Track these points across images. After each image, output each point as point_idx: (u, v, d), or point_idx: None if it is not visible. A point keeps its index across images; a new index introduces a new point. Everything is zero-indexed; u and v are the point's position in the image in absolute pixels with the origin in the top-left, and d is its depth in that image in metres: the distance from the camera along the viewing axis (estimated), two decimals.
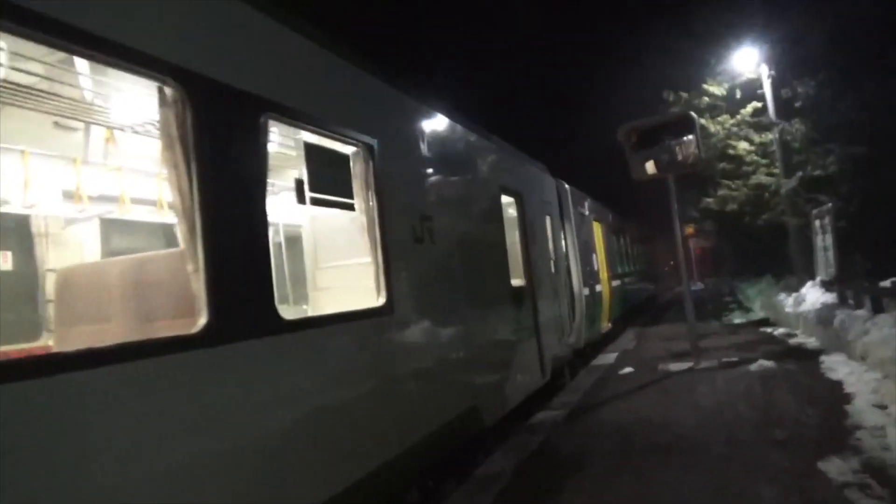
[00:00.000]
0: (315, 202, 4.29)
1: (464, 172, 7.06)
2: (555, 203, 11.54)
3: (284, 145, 5.12)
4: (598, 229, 16.00)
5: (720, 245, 31.90)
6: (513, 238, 9.05)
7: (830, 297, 12.06)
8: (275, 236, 6.22)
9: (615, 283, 17.25)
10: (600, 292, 14.65)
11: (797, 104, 14.83)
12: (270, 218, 6.38)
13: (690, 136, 10.93)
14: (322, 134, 4.46)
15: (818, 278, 13.37)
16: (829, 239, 12.53)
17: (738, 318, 16.86)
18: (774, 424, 6.30)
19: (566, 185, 12.83)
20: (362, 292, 5.04)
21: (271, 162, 5.06)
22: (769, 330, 13.83)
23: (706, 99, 16.17)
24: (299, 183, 4.22)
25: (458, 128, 7.12)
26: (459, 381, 6.11)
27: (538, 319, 9.14)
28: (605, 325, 15.39)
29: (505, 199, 8.65)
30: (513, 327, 7.99)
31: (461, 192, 6.90)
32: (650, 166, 11.13)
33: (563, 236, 12.31)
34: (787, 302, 13.99)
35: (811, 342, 11.38)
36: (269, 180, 5.36)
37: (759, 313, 16.89)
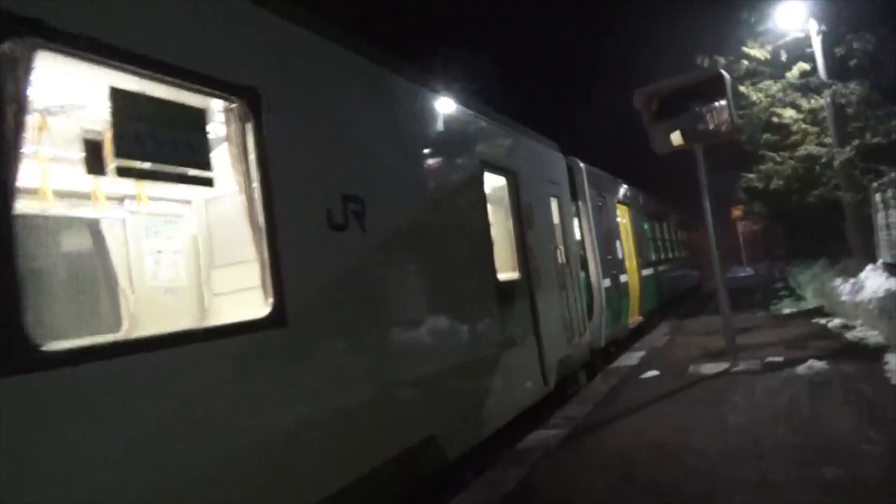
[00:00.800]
0: (127, 174, 3.03)
1: (421, 143, 5.72)
2: (565, 184, 10.06)
3: None
4: (624, 213, 14.41)
5: (771, 227, 29.63)
6: (503, 224, 7.67)
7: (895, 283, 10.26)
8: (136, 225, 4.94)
9: (647, 272, 15.62)
10: (626, 283, 13.09)
11: (852, 62, 12.88)
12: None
13: (722, 102, 9.29)
14: (155, 78, 3.18)
15: (880, 261, 11.54)
16: (893, 215, 10.69)
17: (787, 308, 15.03)
18: (824, 457, 4.78)
19: (581, 164, 11.32)
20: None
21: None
22: (823, 321, 12.05)
23: (746, 63, 14.30)
24: (93, 147, 2.96)
25: (414, 88, 5.78)
26: (405, 408, 4.80)
27: (538, 319, 7.75)
28: (635, 320, 13.83)
29: (491, 177, 7.27)
30: (497, 331, 6.62)
31: (415, 168, 5.57)
32: (676, 137, 9.56)
33: (576, 222, 10.83)
34: (844, 289, 12.16)
35: (872, 336, 9.63)
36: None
37: (811, 301, 15.02)
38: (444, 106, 6.29)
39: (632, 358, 10.87)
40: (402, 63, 5.61)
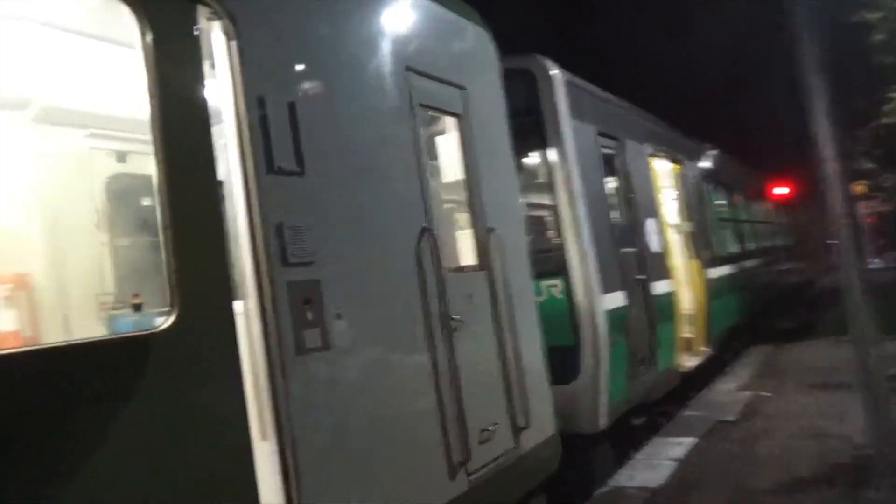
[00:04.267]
0: None
1: None
2: (489, 91, 4.67)
3: None
4: (670, 176, 8.73)
5: None
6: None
7: None
8: None
9: (719, 272, 9.80)
10: (670, 296, 7.45)
11: None
12: None
13: None
14: None
15: None
16: None
17: None
18: None
19: (555, 71, 5.85)
20: None
21: None
22: None
23: None
24: None
25: None
26: None
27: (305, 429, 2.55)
28: (695, 354, 8.15)
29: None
30: None
31: None
32: None
33: (535, 182, 5.52)
34: None
35: None
36: None
37: None
38: None
39: (659, 461, 5.27)
40: None
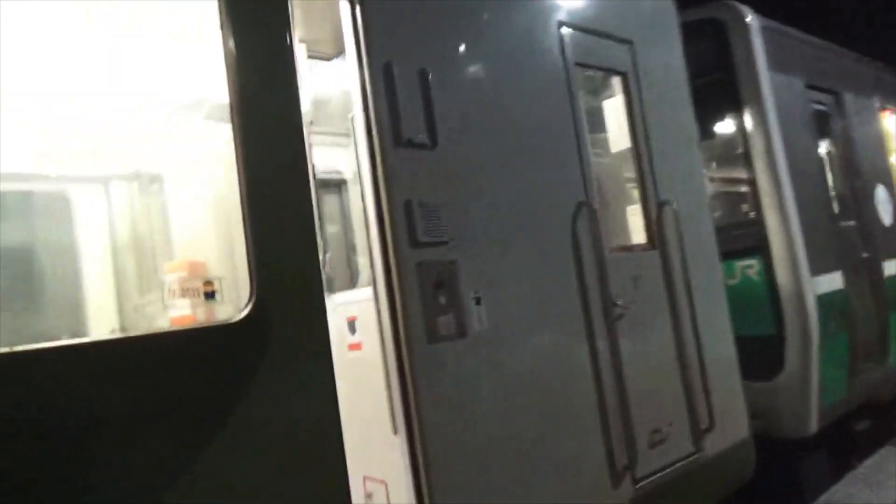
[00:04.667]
0: None
1: None
2: (666, 58, 4.09)
3: None
4: None
5: None
6: None
7: None
8: None
9: None
10: None
11: None
12: None
13: None
14: None
15: None
16: None
17: None
18: None
19: (749, 18, 5.02)
20: None
21: None
22: None
23: None
24: None
25: None
26: None
27: None
28: None
29: None
30: None
31: None
32: None
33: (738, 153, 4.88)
34: None
35: None
36: None
37: None
38: None
39: (889, 476, 4.35)
40: None
